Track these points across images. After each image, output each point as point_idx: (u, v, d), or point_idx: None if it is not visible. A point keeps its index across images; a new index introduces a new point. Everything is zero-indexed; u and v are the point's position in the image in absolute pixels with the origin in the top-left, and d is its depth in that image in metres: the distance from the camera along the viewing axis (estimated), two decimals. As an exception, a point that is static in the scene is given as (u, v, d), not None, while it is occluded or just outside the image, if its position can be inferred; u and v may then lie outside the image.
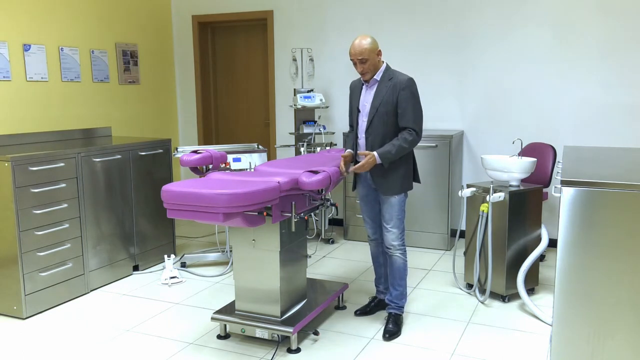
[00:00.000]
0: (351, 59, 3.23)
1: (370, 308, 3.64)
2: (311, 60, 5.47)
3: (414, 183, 3.43)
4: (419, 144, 4.80)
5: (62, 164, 3.82)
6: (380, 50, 3.24)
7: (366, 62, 3.19)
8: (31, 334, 3.40)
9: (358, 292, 4.03)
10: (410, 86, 3.20)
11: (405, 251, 3.39)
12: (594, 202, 2.25)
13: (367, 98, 3.31)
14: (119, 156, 4.27)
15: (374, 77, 3.27)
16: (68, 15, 4.93)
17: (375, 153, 3.18)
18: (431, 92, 5.31)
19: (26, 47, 4.54)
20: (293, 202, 3.04)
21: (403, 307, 3.47)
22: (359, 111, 3.38)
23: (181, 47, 6.30)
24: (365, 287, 4.11)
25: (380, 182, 3.31)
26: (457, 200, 5.17)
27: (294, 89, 5.30)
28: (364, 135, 3.32)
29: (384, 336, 3.32)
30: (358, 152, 3.34)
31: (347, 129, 5.65)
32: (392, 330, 3.34)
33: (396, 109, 3.21)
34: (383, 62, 3.30)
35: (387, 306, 3.49)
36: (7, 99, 4.44)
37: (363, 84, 3.36)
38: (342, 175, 3.31)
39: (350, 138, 3.43)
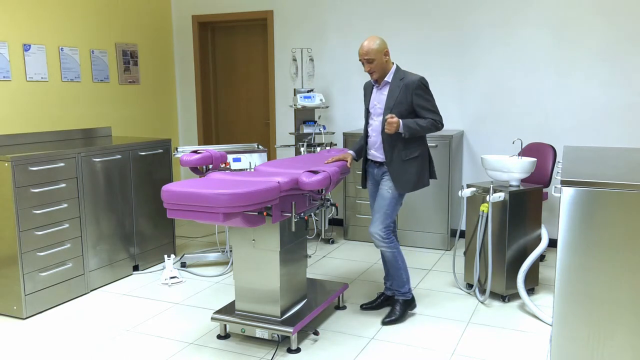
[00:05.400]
0: (359, 59, 3.33)
1: (376, 303, 3.69)
2: (311, 60, 5.46)
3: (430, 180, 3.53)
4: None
5: (62, 164, 3.82)
6: (387, 51, 3.31)
7: (373, 62, 3.28)
8: (31, 334, 3.40)
9: (358, 292, 4.03)
10: (421, 85, 3.29)
11: (391, 242, 3.41)
12: (594, 202, 2.25)
13: (378, 98, 3.39)
14: (119, 156, 4.27)
15: (385, 78, 3.35)
16: (68, 15, 4.92)
17: (400, 120, 3.23)
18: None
19: (26, 47, 4.54)
20: (293, 202, 3.04)
21: (408, 293, 3.54)
22: (369, 112, 3.45)
23: (181, 47, 6.30)
24: (365, 287, 4.11)
25: (397, 176, 3.35)
26: (457, 200, 5.17)
27: (294, 89, 5.30)
28: (379, 135, 3.37)
29: (382, 320, 3.46)
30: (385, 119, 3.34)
31: (347, 129, 5.66)
32: (391, 315, 3.47)
33: (410, 109, 3.29)
34: (393, 63, 3.38)
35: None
36: (7, 99, 4.44)
37: (374, 85, 3.43)
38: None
39: (361, 138, 3.55)
